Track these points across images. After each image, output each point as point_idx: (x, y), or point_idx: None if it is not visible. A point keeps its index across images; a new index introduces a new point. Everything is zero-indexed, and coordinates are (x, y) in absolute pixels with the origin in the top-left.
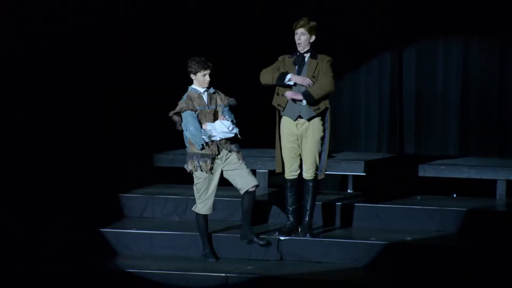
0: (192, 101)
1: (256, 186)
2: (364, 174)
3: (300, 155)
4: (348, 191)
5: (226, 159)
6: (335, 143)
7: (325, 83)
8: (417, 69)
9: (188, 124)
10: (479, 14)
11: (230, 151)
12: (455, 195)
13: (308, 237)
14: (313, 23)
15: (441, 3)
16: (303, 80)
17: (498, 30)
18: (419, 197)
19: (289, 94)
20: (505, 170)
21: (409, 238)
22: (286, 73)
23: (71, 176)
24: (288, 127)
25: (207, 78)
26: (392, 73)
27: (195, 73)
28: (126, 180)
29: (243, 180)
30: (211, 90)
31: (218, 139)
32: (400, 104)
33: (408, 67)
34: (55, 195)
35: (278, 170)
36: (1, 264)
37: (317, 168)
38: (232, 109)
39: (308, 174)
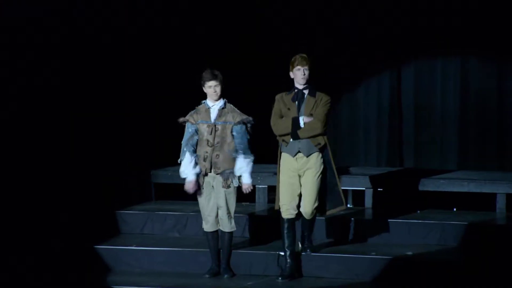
0: (196, 114)
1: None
2: (364, 189)
3: (299, 194)
4: (348, 205)
5: (215, 184)
6: (335, 157)
7: (314, 127)
8: (415, 83)
9: (185, 133)
10: (476, 31)
11: (218, 174)
12: (455, 209)
13: (308, 252)
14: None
15: (439, 21)
16: (308, 119)
17: (495, 46)
18: (418, 211)
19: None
20: (504, 184)
21: (410, 253)
22: (297, 118)
23: (70, 193)
24: (288, 162)
25: (213, 90)
26: (391, 88)
27: (203, 85)
28: (125, 197)
29: (222, 221)
30: (222, 105)
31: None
32: (399, 118)
33: (407, 82)
34: (54, 212)
35: (278, 206)
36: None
37: (317, 205)
38: (246, 127)
39: (307, 210)
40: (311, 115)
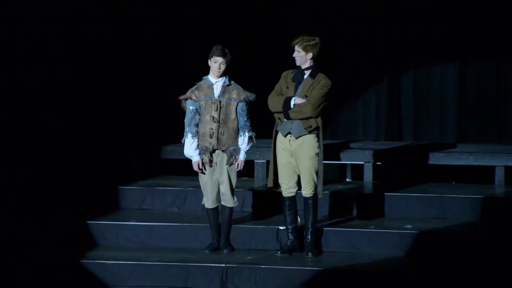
0: (198, 90)
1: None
2: (363, 163)
3: (297, 172)
4: (347, 180)
5: (218, 160)
6: (334, 132)
7: (303, 110)
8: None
9: (186, 112)
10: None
11: (223, 151)
12: (453, 183)
13: (310, 256)
14: (310, 42)
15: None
16: (301, 101)
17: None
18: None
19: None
20: (503, 157)
21: (410, 226)
22: (290, 98)
23: (72, 170)
24: (282, 142)
25: (217, 66)
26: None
27: (209, 59)
28: (124, 172)
29: (224, 196)
30: (226, 82)
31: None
32: (398, 92)
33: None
34: (56, 189)
35: (269, 185)
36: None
37: (315, 185)
38: (250, 104)
39: (306, 192)
40: (306, 96)
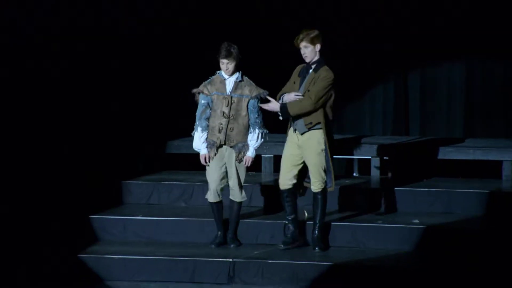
0: (211, 85)
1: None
2: (370, 157)
3: (298, 166)
4: (354, 174)
5: (227, 155)
6: (341, 126)
7: (305, 105)
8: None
9: (198, 105)
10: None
11: (231, 147)
12: (461, 177)
13: (317, 251)
14: (313, 33)
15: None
16: (288, 97)
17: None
18: (424, 180)
19: (271, 105)
20: (511, 151)
21: (417, 221)
22: (284, 106)
23: (76, 165)
24: (292, 135)
25: (225, 67)
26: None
27: (217, 58)
28: (131, 167)
29: (233, 191)
30: (239, 78)
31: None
32: (405, 87)
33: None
34: (59, 184)
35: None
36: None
37: (323, 180)
38: (263, 101)
39: (315, 187)
40: (308, 91)
